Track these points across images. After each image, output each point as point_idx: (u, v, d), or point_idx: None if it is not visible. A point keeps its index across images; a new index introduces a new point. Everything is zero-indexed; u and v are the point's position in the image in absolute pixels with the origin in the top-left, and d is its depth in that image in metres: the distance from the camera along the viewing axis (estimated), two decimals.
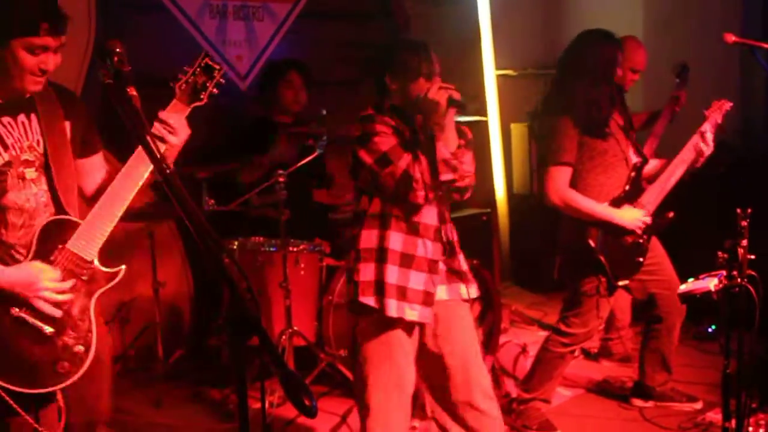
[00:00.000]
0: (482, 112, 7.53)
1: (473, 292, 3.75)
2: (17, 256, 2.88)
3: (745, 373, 3.56)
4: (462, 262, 3.73)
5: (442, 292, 3.66)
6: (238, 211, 5.20)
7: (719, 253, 3.38)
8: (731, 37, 4.74)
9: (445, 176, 3.44)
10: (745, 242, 3.38)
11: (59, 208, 2.94)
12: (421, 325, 3.66)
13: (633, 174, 4.57)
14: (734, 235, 3.37)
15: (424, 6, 7.25)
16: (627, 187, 4.54)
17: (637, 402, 4.98)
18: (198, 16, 6.07)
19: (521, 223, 7.82)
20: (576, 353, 4.81)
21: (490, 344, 5.16)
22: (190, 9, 6.03)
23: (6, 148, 2.85)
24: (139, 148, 2.84)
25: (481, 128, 7.29)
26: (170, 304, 5.82)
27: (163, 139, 2.93)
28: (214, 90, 3.09)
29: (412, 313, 3.55)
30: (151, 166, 2.85)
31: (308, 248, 5.27)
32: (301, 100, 5.78)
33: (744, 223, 3.38)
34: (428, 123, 3.45)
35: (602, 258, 4.49)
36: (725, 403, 3.52)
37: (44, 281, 2.81)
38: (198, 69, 3.06)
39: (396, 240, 3.54)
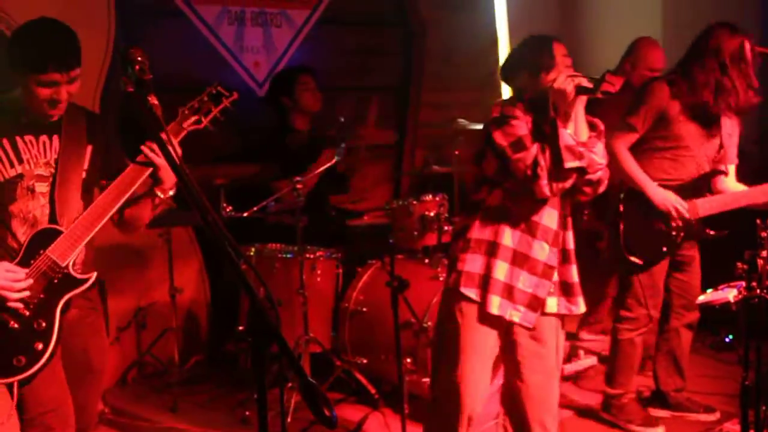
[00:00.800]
0: None
1: (582, 306, 3.66)
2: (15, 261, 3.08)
3: (764, 385, 3.53)
4: (575, 274, 3.64)
5: (552, 303, 3.59)
6: (256, 218, 5.21)
7: (738, 264, 3.36)
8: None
9: (570, 163, 3.35)
10: (764, 253, 3.35)
11: (53, 217, 3.14)
12: (515, 328, 3.57)
13: (697, 178, 4.57)
14: (754, 246, 3.35)
15: (440, 12, 7.24)
16: (687, 183, 4.55)
17: (654, 411, 4.95)
18: (216, 22, 6.10)
19: None
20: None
21: None
22: (208, 16, 6.06)
23: (21, 162, 3.11)
24: (132, 165, 3.12)
25: None
26: (187, 310, 5.84)
27: (151, 163, 3.11)
28: (219, 116, 3.26)
29: (516, 314, 3.51)
30: (136, 184, 3.12)
31: (325, 255, 5.27)
32: (318, 100, 5.83)
33: (764, 234, 3.36)
34: (556, 112, 3.41)
35: (621, 224, 4.52)
36: (744, 414, 3.49)
37: (2, 272, 2.97)
38: (206, 96, 3.26)
39: (510, 236, 3.49)
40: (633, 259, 4.59)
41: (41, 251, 3.08)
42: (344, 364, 5.13)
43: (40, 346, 3.04)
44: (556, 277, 3.58)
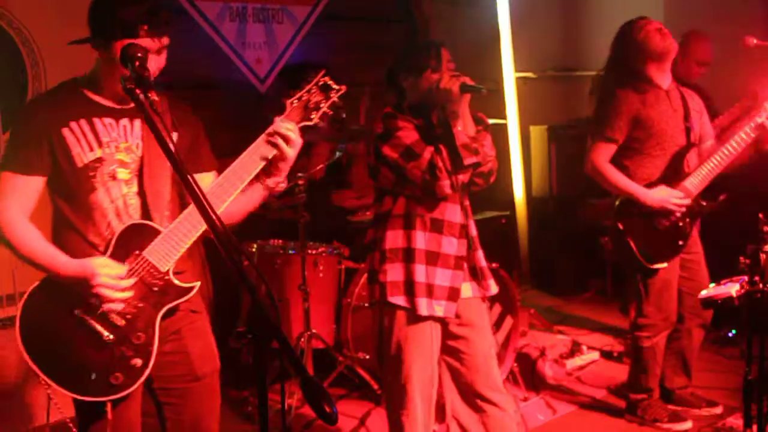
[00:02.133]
0: (501, 114, 7.52)
1: (493, 288, 3.80)
2: (95, 255, 2.83)
3: (766, 379, 3.53)
4: (481, 258, 3.79)
5: (466, 290, 3.70)
6: (257, 214, 5.20)
7: (741, 259, 3.36)
8: (752, 41, 4.74)
9: (469, 160, 3.45)
10: (767, 247, 3.35)
11: (145, 212, 2.90)
12: (444, 321, 3.68)
13: (675, 154, 4.58)
14: (756, 240, 3.35)
15: (443, 8, 7.25)
16: (664, 170, 4.56)
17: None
18: (218, 18, 6.09)
19: (540, 225, 7.81)
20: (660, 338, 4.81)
21: (509, 347, 5.14)
22: (210, 12, 6.05)
23: (100, 144, 2.85)
24: (237, 169, 2.85)
25: (500, 131, 7.28)
26: None
27: (276, 147, 2.87)
28: (328, 111, 2.98)
29: (439, 308, 3.59)
30: (248, 179, 2.87)
31: (327, 251, 5.27)
32: None
33: (766, 228, 3.36)
34: (444, 112, 3.49)
35: (630, 241, 4.50)
36: (746, 408, 3.50)
37: (102, 276, 2.73)
38: (314, 87, 2.98)
39: (421, 239, 3.59)
40: (656, 266, 4.58)
41: (137, 252, 2.82)
42: (347, 359, 5.14)
43: (139, 363, 2.81)
44: (467, 261, 3.70)
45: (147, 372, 2.83)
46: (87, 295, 2.75)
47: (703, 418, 4.84)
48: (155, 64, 2.77)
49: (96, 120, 2.86)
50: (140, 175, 2.90)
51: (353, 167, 6.09)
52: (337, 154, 5.11)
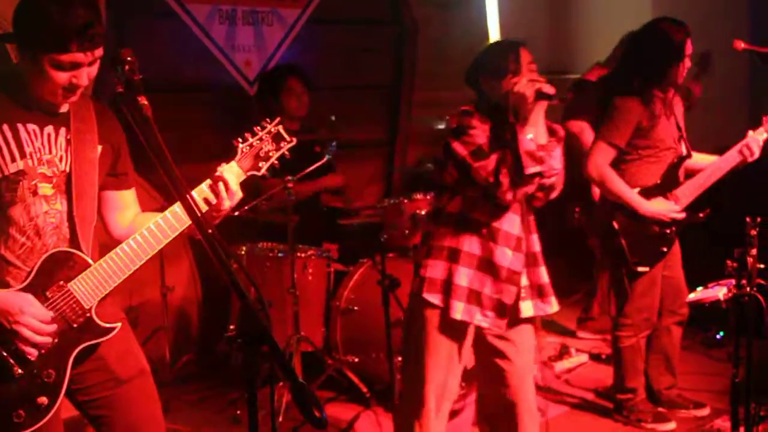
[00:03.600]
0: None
1: (554, 305, 3.70)
2: (9, 277, 2.67)
3: (754, 381, 3.55)
4: (544, 275, 3.69)
5: (527, 307, 3.62)
6: (246, 217, 5.21)
7: (728, 262, 3.38)
8: (741, 44, 4.77)
9: (532, 169, 3.36)
10: (754, 251, 3.37)
11: (73, 238, 2.74)
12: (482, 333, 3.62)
13: (673, 164, 4.62)
14: (743, 244, 3.37)
15: (432, 11, 7.24)
16: (661, 179, 4.60)
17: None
18: (207, 21, 6.08)
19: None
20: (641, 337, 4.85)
21: None
22: (199, 15, 6.04)
23: (23, 155, 2.65)
24: (174, 208, 2.75)
25: None
26: (178, 308, 5.83)
27: (216, 195, 2.79)
28: (276, 163, 2.91)
29: (484, 320, 3.53)
30: (183, 227, 2.75)
31: (316, 254, 5.27)
32: (304, 105, 5.76)
33: (753, 232, 3.38)
34: (516, 117, 3.42)
35: (623, 241, 4.54)
36: (734, 411, 3.51)
37: (26, 316, 2.58)
38: (267, 135, 2.90)
39: (472, 243, 3.51)
40: (641, 269, 4.63)
41: (61, 282, 2.67)
42: (336, 362, 5.14)
43: (45, 401, 2.65)
44: (526, 281, 3.60)
45: (51, 413, 2.66)
46: (3, 328, 2.59)
47: (690, 419, 4.86)
48: (86, 76, 2.61)
49: (20, 126, 2.67)
50: (67, 192, 2.73)
51: (347, 169, 6.10)
52: (327, 156, 5.09)
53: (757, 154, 4.62)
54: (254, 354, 2.08)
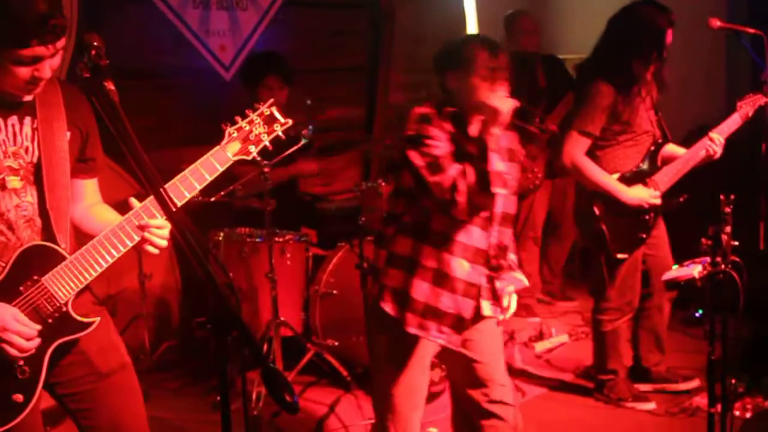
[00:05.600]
0: None
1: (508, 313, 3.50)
2: None
3: (731, 358, 3.56)
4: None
5: (486, 307, 3.42)
6: (224, 202, 5.18)
7: (703, 240, 3.38)
8: (716, 22, 4.77)
9: (497, 189, 3.20)
10: (728, 228, 3.37)
11: (48, 230, 2.68)
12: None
13: (652, 149, 4.64)
14: (717, 221, 3.37)
15: None
16: (641, 164, 4.62)
17: (638, 386, 4.99)
18: (181, 6, 6.03)
19: None
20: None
21: None
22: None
23: None
24: (147, 204, 2.65)
25: None
26: (158, 296, 5.81)
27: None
28: (268, 145, 2.80)
29: (440, 336, 3.37)
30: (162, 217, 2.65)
31: (294, 238, 5.25)
32: (280, 101, 5.58)
33: (727, 209, 3.38)
34: (485, 131, 3.20)
35: (603, 227, 4.55)
36: (711, 388, 3.52)
37: (11, 333, 2.52)
38: (259, 116, 2.80)
39: (428, 254, 3.33)
40: (621, 255, 4.64)
41: (35, 277, 2.60)
42: (315, 347, 5.14)
43: (21, 399, 2.59)
44: (486, 282, 3.41)
45: (27, 410, 2.60)
46: None
47: (671, 397, 4.89)
48: (48, 68, 2.53)
49: None
50: (36, 183, 2.67)
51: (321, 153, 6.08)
52: (303, 140, 5.06)
53: (719, 153, 4.62)
54: (224, 339, 2.05)
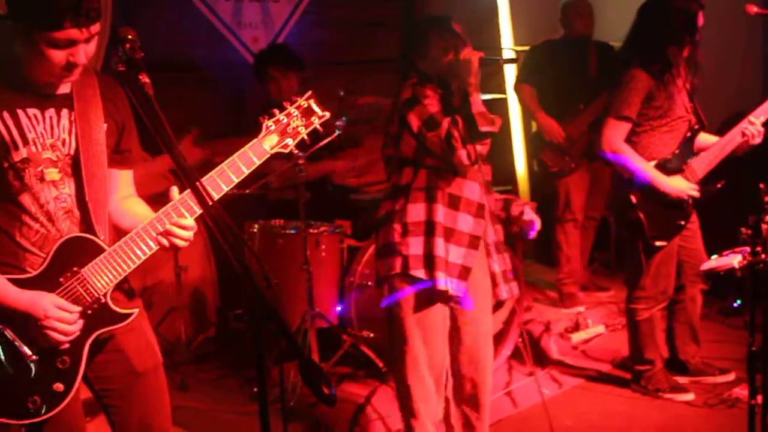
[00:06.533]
0: (501, 89, 7.47)
1: (502, 294, 3.86)
2: (26, 264, 2.64)
3: None
4: (500, 264, 3.85)
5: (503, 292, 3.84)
6: (259, 194, 5.18)
7: (742, 230, 3.34)
8: (753, 8, 4.70)
9: (485, 128, 3.45)
10: None
11: (87, 222, 2.70)
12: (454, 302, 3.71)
13: (688, 136, 4.60)
14: (758, 211, 3.33)
15: None
16: (677, 150, 4.58)
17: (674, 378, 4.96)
18: None
19: (542, 199, 7.76)
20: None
21: (513, 323, 5.13)
22: None
23: (26, 142, 2.60)
24: (184, 197, 2.67)
25: (500, 106, 7.24)
26: (193, 288, 5.83)
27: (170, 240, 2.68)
28: (306, 138, 2.79)
29: (450, 285, 3.61)
30: (198, 212, 2.68)
31: (329, 230, 5.25)
32: (288, 89, 5.38)
33: (767, 198, 3.33)
34: (462, 84, 3.50)
35: (641, 215, 4.52)
36: (751, 379, 3.48)
37: (53, 320, 2.57)
38: (297, 109, 2.79)
39: (440, 213, 3.60)
40: (659, 243, 4.61)
41: (75, 268, 2.63)
42: (351, 338, 5.13)
43: (61, 388, 2.63)
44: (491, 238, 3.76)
45: (68, 398, 2.65)
46: (30, 327, 2.58)
47: (710, 388, 4.85)
48: (84, 53, 2.52)
49: (20, 112, 2.61)
50: (74, 174, 2.69)
51: (354, 145, 6.06)
52: (337, 131, 5.05)
53: (758, 137, 4.57)
54: (261, 332, 2.05)
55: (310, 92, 2.83)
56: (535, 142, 6.55)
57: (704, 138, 4.70)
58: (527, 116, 7.21)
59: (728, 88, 6.49)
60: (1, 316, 2.58)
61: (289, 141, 2.76)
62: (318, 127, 2.80)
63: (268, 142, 2.74)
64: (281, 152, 2.77)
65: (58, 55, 2.49)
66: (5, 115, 2.59)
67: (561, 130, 6.13)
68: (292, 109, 2.78)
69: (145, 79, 2.37)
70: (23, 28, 2.48)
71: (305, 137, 2.78)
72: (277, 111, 2.77)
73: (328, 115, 2.82)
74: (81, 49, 2.51)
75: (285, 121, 2.76)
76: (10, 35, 2.53)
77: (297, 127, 2.77)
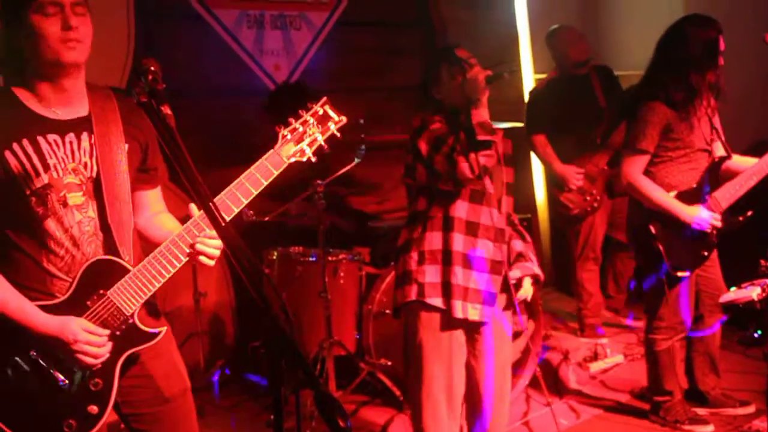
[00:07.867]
0: (522, 117, 7.47)
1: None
2: (55, 289, 2.66)
3: None
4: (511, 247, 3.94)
5: (501, 299, 3.81)
6: (278, 221, 5.21)
7: (762, 261, 3.32)
8: None
9: (482, 136, 3.51)
10: None
11: (110, 244, 2.71)
12: (473, 331, 3.74)
13: (713, 166, 4.58)
14: None
15: (461, 11, 7.22)
16: (699, 181, 4.55)
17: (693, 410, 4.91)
18: (235, 26, 6.10)
19: (562, 227, 7.75)
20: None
21: (531, 352, 5.11)
22: (227, 20, 6.06)
23: (47, 168, 2.62)
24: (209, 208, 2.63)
25: (520, 133, 7.24)
26: (212, 314, 5.84)
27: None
28: (324, 145, 2.76)
29: (474, 312, 3.64)
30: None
31: (348, 257, 5.26)
32: None
33: None
34: (471, 102, 3.57)
35: (660, 246, 4.49)
36: None
37: (82, 343, 2.60)
38: (312, 116, 2.77)
39: (458, 241, 3.64)
40: (681, 273, 4.58)
41: (101, 291, 2.66)
42: (369, 366, 5.13)
43: (95, 410, 2.65)
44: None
45: (102, 420, 2.68)
46: (60, 351, 2.62)
47: (729, 420, 4.80)
48: (76, 20, 2.56)
49: (40, 139, 2.64)
50: (96, 197, 2.70)
51: (378, 171, 6.08)
52: (356, 160, 5.08)
53: None
54: (279, 363, 2.05)
55: (325, 98, 2.81)
56: (553, 184, 6.50)
57: (738, 160, 4.66)
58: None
59: (750, 117, 6.46)
60: (33, 341, 2.61)
61: (307, 149, 2.75)
62: (336, 133, 2.78)
63: (285, 152, 2.73)
64: (299, 161, 2.75)
65: (51, 26, 2.54)
66: (25, 143, 2.62)
67: (580, 173, 6.10)
68: (307, 117, 2.77)
69: (167, 110, 2.37)
70: (11, 14, 2.55)
71: (323, 144, 2.77)
72: (292, 120, 2.76)
73: (344, 119, 2.81)
74: (71, 15, 2.55)
75: (301, 129, 2.75)
76: (15, 47, 2.59)
77: (314, 134, 2.76)
